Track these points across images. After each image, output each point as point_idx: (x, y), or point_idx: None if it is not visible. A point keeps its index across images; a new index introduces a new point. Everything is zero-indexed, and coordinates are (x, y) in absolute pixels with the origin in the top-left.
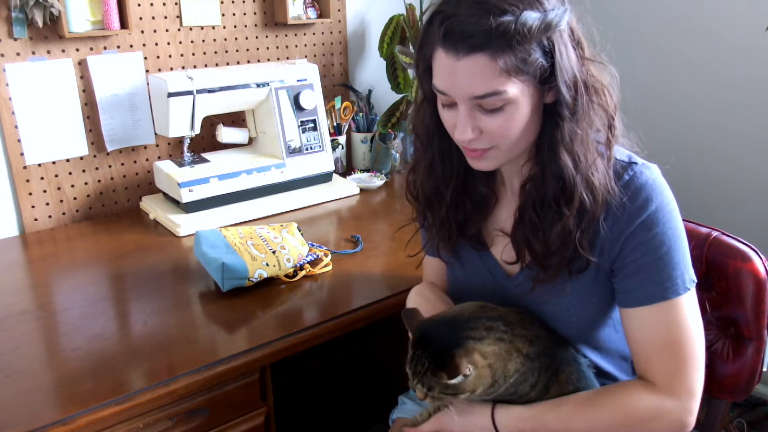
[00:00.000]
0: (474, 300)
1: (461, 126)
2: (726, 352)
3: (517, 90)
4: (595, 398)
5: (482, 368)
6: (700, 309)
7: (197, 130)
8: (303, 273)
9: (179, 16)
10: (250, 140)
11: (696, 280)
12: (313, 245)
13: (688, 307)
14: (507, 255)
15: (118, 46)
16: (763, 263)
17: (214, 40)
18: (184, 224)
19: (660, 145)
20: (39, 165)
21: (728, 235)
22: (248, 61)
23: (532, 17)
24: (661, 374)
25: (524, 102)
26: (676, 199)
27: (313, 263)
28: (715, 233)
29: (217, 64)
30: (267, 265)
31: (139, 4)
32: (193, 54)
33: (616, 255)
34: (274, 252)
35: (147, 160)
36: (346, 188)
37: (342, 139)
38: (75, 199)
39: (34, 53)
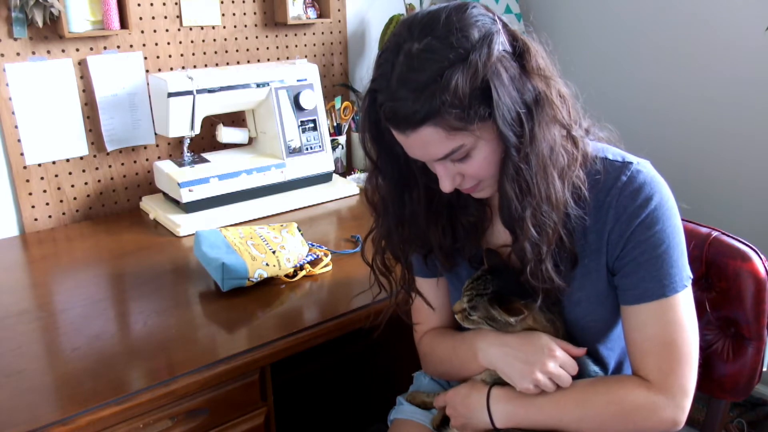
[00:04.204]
0: None
1: (442, 181)
2: (726, 352)
3: (473, 137)
4: (591, 388)
5: (527, 325)
6: (700, 309)
7: (197, 130)
8: (303, 273)
9: (179, 16)
10: (250, 140)
11: (692, 276)
12: (313, 245)
13: (684, 304)
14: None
15: (118, 46)
16: (763, 263)
17: (214, 40)
18: (184, 224)
19: (660, 145)
20: (39, 165)
21: (728, 235)
22: (248, 61)
23: (453, 77)
24: (656, 371)
25: (488, 140)
26: (676, 198)
27: (313, 263)
28: (715, 233)
29: (217, 64)
30: (267, 265)
31: (139, 4)
32: (193, 54)
33: (617, 254)
34: (274, 252)
35: (147, 160)
36: (346, 188)
37: (342, 139)
38: (75, 199)
39: (34, 53)
